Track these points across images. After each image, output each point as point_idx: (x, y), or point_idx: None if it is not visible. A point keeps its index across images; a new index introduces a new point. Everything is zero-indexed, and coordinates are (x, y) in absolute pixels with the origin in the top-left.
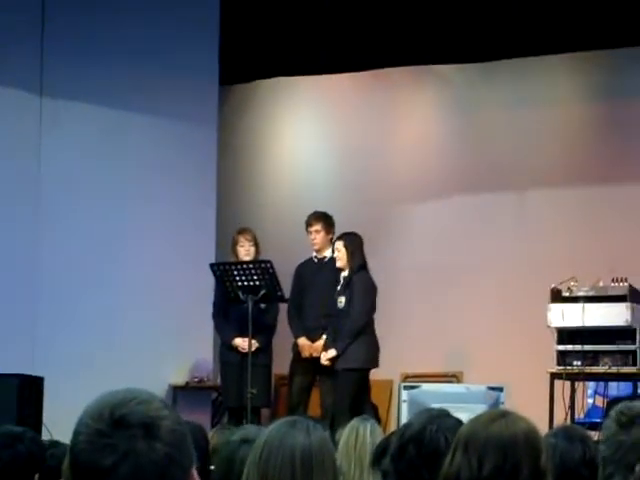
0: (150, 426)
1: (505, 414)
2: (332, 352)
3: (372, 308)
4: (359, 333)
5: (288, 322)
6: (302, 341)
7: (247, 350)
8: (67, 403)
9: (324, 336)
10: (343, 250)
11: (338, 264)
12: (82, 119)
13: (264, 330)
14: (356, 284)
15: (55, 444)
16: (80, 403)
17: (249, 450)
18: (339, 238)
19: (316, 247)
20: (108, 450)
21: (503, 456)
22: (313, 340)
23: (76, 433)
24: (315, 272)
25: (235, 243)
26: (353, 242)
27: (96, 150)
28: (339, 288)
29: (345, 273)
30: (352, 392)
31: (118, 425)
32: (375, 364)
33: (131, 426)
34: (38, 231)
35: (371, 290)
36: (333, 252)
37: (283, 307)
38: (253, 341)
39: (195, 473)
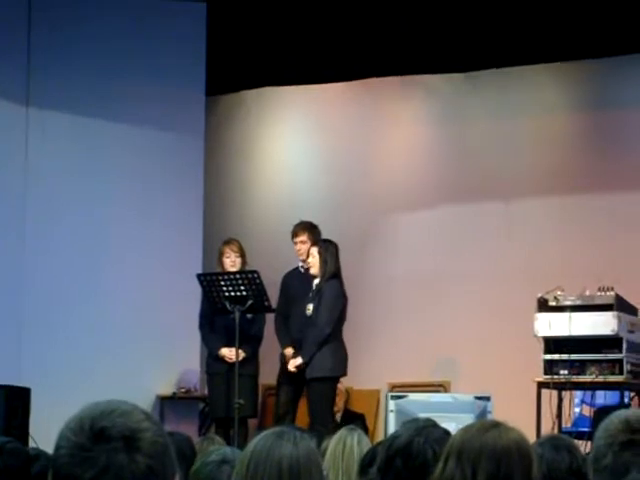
0: (131, 438)
1: (497, 424)
2: (299, 360)
3: (340, 317)
4: (325, 342)
5: (275, 332)
6: (288, 351)
7: (234, 360)
8: (54, 414)
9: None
10: (317, 256)
11: (312, 270)
12: (69, 129)
13: (251, 340)
14: (325, 293)
15: (41, 455)
16: (67, 414)
17: (230, 471)
18: (314, 244)
19: (302, 257)
20: (89, 463)
21: (497, 465)
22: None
23: (57, 447)
24: (301, 282)
25: (221, 254)
26: (326, 249)
27: (82, 160)
28: (310, 295)
29: (317, 280)
30: (325, 400)
31: (98, 438)
32: (343, 372)
33: (112, 439)
34: (24, 241)
35: (339, 299)
36: (307, 257)
37: (270, 317)
38: (240, 351)
39: None
